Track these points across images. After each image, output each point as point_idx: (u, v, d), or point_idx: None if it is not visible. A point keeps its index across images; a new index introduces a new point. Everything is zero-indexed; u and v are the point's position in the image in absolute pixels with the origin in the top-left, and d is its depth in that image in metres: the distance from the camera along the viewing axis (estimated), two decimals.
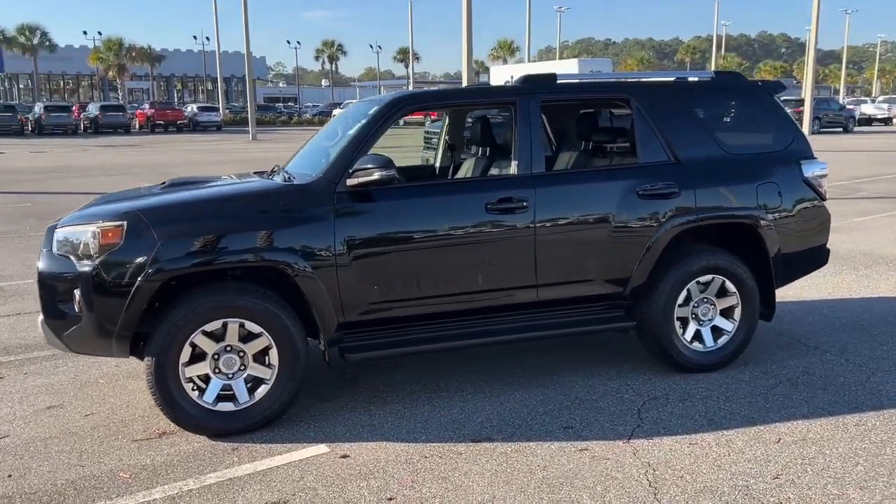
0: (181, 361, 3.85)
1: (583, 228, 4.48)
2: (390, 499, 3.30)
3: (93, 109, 44.92)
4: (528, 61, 49.46)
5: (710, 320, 4.81)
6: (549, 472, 3.52)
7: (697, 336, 4.80)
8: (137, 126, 46.74)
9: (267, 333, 3.96)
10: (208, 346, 3.91)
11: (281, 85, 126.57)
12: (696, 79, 5.17)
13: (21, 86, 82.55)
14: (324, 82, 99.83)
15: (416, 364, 5.01)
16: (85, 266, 3.79)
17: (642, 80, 5.16)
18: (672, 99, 4.79)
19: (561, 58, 66.48)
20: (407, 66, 58.95)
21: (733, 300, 4.80)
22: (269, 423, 4.03)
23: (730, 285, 4.76)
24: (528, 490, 3.35)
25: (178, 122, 45.44)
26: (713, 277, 4.73)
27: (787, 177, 4.88)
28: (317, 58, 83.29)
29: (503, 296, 4.42)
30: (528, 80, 4.71)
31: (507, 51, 61.77)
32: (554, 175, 4.57)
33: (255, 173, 4.79)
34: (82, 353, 4.09)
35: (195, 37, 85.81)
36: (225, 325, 3.91)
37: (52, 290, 3.90)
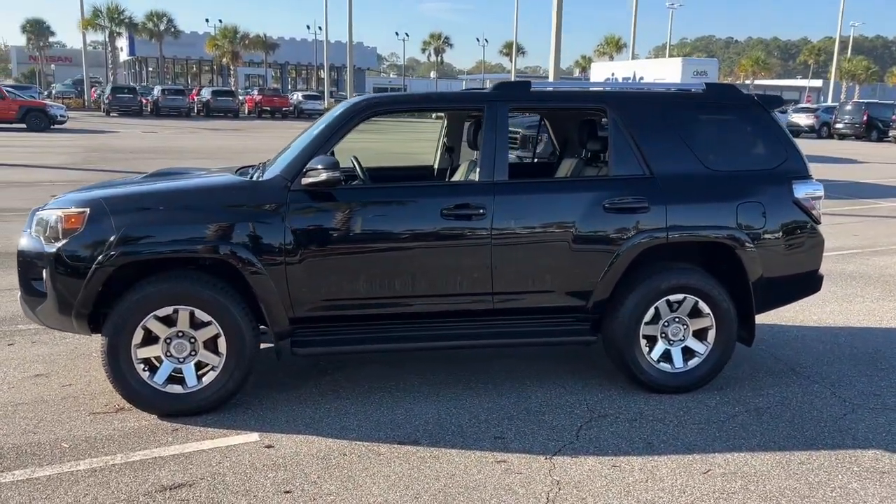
0: (133, 343, 4.09)
1: (543, 239, 4.43)
2: (287, 491, 3.41)
3: (206, 94, 47.19)
4: (632, 58, 48.22)
5: (681, 340, 4.65)
6: (453, 481, 3.53)
7: (667, 356, 4.65)
8: (246, 111, 48.78)
9: (216, 322, 4.15)
10: (160, 330, 4.13)
11: (391, 76, 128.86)
12: (685, 90, 4.98)
13: (149, 69, 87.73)
14: (432, 74, 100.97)
15: (385, 363, 5.09)
16: (52, 247, 4.09)
17: (624, 90, 5.02)
18: (652, 111, 4.64)
19: (672, 55, 64.49)
20: (511, 60, 58.66)
21: (707, 322, 4.62)
22: (214, 408, 4.23)
23: (703, 306, 4.58)
24: (421, 497, 3.39)
25: (284, 108, 47.11)
26: (685, 297, 4.57)
27: (774, 197, 4.64)
28: (423, 50, 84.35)
29: (457, 302, 4.44)
30: (500, 87, 4.68)
31: (613, 47, 60.35)
32: (516, 184, 4.52)
33: (238, 169, 4.98)
34: (52, 328, 4.40)
35: (308, 26, 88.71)
36: (176, 312, 4.12)
37: (27, 268, 4.22)
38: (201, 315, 4.13)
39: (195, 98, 47.50)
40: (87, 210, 4.09)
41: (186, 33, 71.26)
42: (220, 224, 4.12)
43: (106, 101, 43.06)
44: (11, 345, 5.37)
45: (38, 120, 29.22)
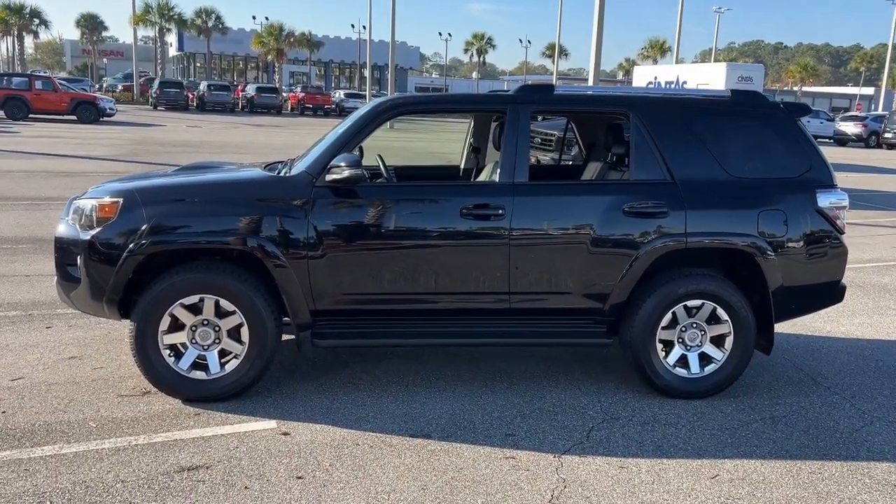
0: (160, 329, 4.26)
1: (561, 241, 4.48)
2: (299, 477, 3.53)
3: (250, 90, 47.99)
4: (676, 62, 47.67)
5: (698, 346, 4.66)
6: (461, 475, 3.61)
7: (683, 361, 4.67)
8: (289, 108, 49.46)
9: (239, 312, 4.29)
10: (186, 317, 4.29)
11: (434, 76, 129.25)
12: (710, 96, 4.98)
13: (197, 65, 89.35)
14: (474, 75, 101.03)
15: (404, 357, 5.19)
16: (86, 235, 4.27)
17: (647, 94, 5.04)
18: (675, 116, 4.66)
19: (718, 60, 63.54)
20: (554, 62, 58.44)
21: (725, 328, 4.62)
22: (236, 395, 4.37)
23: (722, 313, 4.59)
24: (428, 489, 3.47)
25: (326, 106, 47.67)
26: (703, 303, 4.58)
27: (797, 205, 4.62)
28: (466, 50, 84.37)
29: (476, 300, 4.52)
30: (523, 90, 4.75)
31: (657, 51, 59.87)
32: (535, 185, 4.59)
33: (267, 164, 5.13)
34: (84, 312, 4.59)
35: (353, 25, 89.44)
36: (202, 301, 4.27)
37: (64, 254, 4.41)
38: (226, 305, 4.27)
39: (240, 94, 48.29)
40: (121, 200, 4.26)
41: (234, 30, 72.48)
42: (246, 217, 4.26)
43: (153, 96, 44.02)
44: (49, 328, 5.60)
45: (88, 112, 30.11)
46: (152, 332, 4.24)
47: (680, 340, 4.65)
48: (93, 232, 4.24)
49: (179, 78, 65.33)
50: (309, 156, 4.64)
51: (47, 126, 26.63)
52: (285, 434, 3.98)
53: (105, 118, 30.74)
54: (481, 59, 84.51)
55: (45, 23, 55.28)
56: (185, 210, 4.27)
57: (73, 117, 29.82)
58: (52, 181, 13.15)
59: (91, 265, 4.23)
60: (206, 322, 4.32)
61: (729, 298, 4.55)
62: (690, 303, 4.58)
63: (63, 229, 4.46)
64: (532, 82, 4.83)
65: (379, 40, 61.47)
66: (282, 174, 4.56)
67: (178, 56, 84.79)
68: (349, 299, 4.42)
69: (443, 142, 19.89)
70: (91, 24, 76.81)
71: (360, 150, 5.87)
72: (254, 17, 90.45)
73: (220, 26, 64.88)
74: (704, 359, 4.68)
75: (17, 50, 56.41)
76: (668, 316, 4.59)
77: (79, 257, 4.28)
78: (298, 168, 4.51)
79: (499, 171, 4.54)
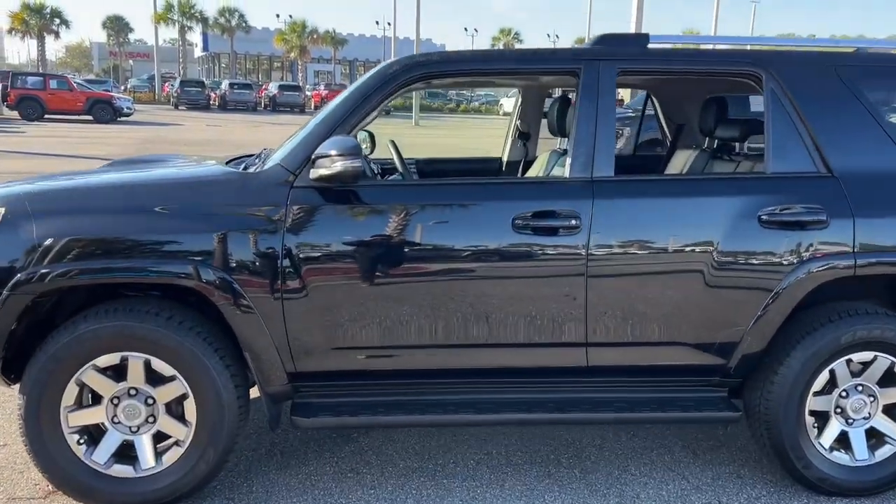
0: (64, 405, 2.83)
1: (665, 265, 2.97)
2: None
3: (272, 88, 46.86)
4: None
5: (864, 419, 3.13)
6: None
7: (844, 441, 3.14)
8: (313, 106, 48.19)
9: (181, 378, 2.85)
10: (103, 386, 2.85)
11: None
12: (882, 50, 3.42)
13: (222, 65, 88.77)
14: None
15: (429, 425, 3.71)
16: None
17: (791, 48, 3.47)
18: (832, 80, 3.12)
19: None
20: None
21: None
22: (180, 499, 2.93)
23: None
24: None
25: None
26: (875, 356, 3.05)
27: None
28: (492, 46, 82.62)
29: (533, 355, 3.03)
30: (605, 41, 3.23)
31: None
32: (627, 182, 3.08)
33: (235, 158, 3.63)
34: None
35: (377, 22, 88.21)
36: (125, 361, 2.83)
37: None
38: (161, 366, 2.84)
39: (263, 94, 47.22)
40: (2, 211, 2.84)
41: (258, 29, 71.60)
42: (188, 235, 2.81)
43: (175, 95, 43.14)
44: None
45: (104, 112, 29.09)
46: (51, 408, 2.81)
47: (839, 411, 3.12)
48: None
49: (204, 78, 64.44)
50: (288, 143, 3.17)
51: (59, 126, 25.58)
52: None
53: (122, 118, 29.71)
54: None
55: (65, 23, 54.40)
56: (98, 225, 2.83)
57: (90, 117, 28.82)
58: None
59: None
60: (132, 392, 2.88)
61: None
62: (857, 356, 3.05)
63: None
64: (611, 33, 3.29)
65: (404, 38, 60.20)
66: (247, 170, 3.10)
67: (203, 56, 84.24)
68: (345, 356, 2.96)
69: (480, 138, 18.21)
70: (117, 26, 76.51)
71: (372, 137, 4.42)
72: (277, 16, 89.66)
73: (244, 25, 63.95)
74: (875, 437, 3.15)
75: (39, 51, 55.73)
76: (824, 376, 3.06)
77: None
78: (273, 161, 3.05)
79: (568, 161, 3.04)
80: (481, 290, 2.92)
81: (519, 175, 4.54)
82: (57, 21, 54.00)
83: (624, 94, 14.25)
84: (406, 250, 2.88)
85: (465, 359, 3.01)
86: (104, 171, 3.53)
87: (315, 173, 2.82)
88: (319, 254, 2.84)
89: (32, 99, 28.56)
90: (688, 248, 2.95)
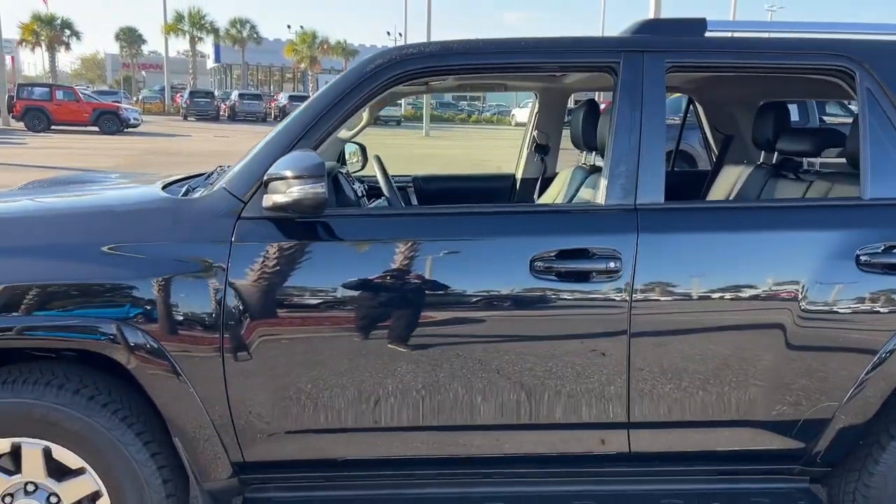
0: None
1: (732, 320, 2.25)
2: None
3: (282, 99, 46.54)
4: None
5: None
6: None
7: None
8: None
9: (92, 469, 2.15)
10: None
11: None
12: None
13: (234, 76, 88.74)
14: None
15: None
16: None
17: (888, 35, 2.73)
18: None
19: None
20: None
21: None
22: None
23: None
24: None
25: None
26: None
27: None
28: None
29: (561, 439, 2.31)
30: (649, 28, 2.51)
31: None
32: (681, 210, 2.36)
33: (178, 179, 2.92)
34: None
35: (388, 33, 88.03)
36: (18, 450, 2.14)
37: None
38: (64, 455, 2.15)
39: (274, 104, 46.89)
40: None
41: (269, 40, 71.41)
42: (96, 281, 2.11)
43: (183, 106, 42.84)
44: None
45: (111, 123, 28.75)
46: None
47: None
48: None
49: (216, 89, 64.28)
50: (239, 162, 2.46)
51: (64, 137, 25.14)
52: None
53: (129, 129, 29.28)
54: None
55: (76, 34, 54.31)
56: None
57: (96, 128, 28.41)
58: None
59: None
60: (30, 489, 2.19)
61: None
62: None
63: None
64: (658, 19, 2.57)
65: None
66: (189, 196, 2.40)
67: (215, 67, 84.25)
68: (306, 439, 2.25)
69: (492, 149, 17.27)
70: (130, 38, 76.55)
71: (363, 150, 3.73)
72: (289, 27, 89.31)
73: (256, 36, 63.68)
74: None
75: (49, 62, 55.60)
76: None
77: None
78: (219, 184, 2.34)
79: (603, 184, 2.32)
80: (488, 356, 2.21)
81: (536, 195, 3.82)
82: (68, 32, 53.85)
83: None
84: (387, 304, 2.17)
85: (466, 444, 2.29)
86: (6, 197, 2.83)
87: (268, 200, 2.12)
88: (272, 303, 2.13)
89: (38, 110, 28.24)
90: (763, 299, 2.23)
